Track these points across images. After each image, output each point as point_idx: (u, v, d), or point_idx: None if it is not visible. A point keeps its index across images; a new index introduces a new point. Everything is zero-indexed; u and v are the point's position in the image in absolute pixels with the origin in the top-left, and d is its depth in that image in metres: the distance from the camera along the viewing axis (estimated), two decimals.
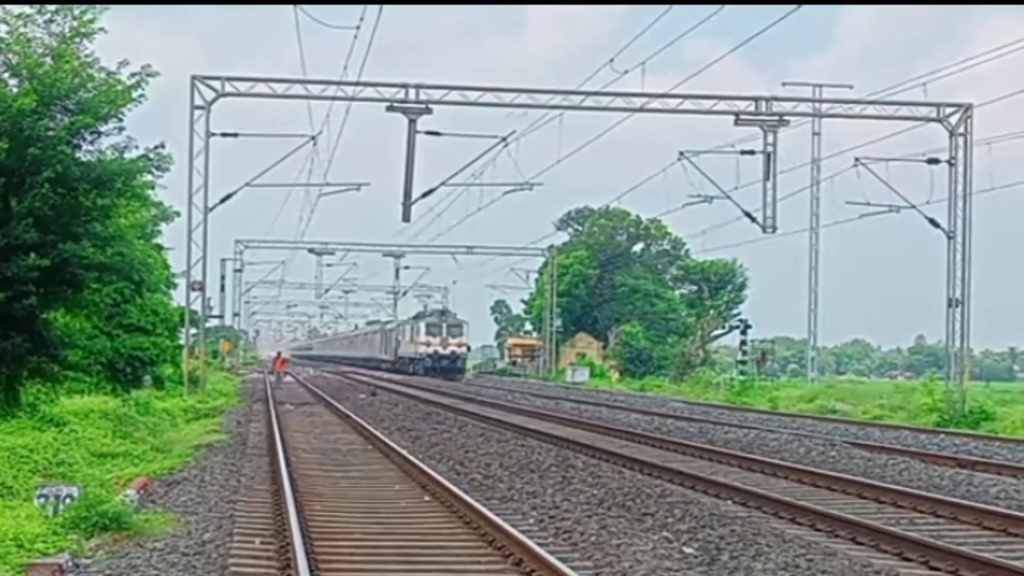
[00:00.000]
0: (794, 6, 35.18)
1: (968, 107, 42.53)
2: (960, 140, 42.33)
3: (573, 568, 11.31)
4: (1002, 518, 15.49)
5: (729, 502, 17.52)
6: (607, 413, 41.00)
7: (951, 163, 42.70)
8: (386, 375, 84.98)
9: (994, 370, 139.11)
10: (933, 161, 44.16)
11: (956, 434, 33.18)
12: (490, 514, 14.53)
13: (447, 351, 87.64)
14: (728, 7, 35.48)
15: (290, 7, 37.07)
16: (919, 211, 44.91)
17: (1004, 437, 32.38)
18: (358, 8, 34.67)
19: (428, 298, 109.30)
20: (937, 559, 12.63)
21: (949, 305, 42.71)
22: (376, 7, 34.26)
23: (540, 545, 12.51)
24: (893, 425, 37.51)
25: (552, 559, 11.58)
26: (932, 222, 43.81)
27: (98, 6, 25.64)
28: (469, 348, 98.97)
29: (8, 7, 25.00)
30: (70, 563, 11.51)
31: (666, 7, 36.22)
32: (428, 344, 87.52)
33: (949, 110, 42.67)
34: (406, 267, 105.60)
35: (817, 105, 48.48)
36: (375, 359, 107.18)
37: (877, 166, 46.01)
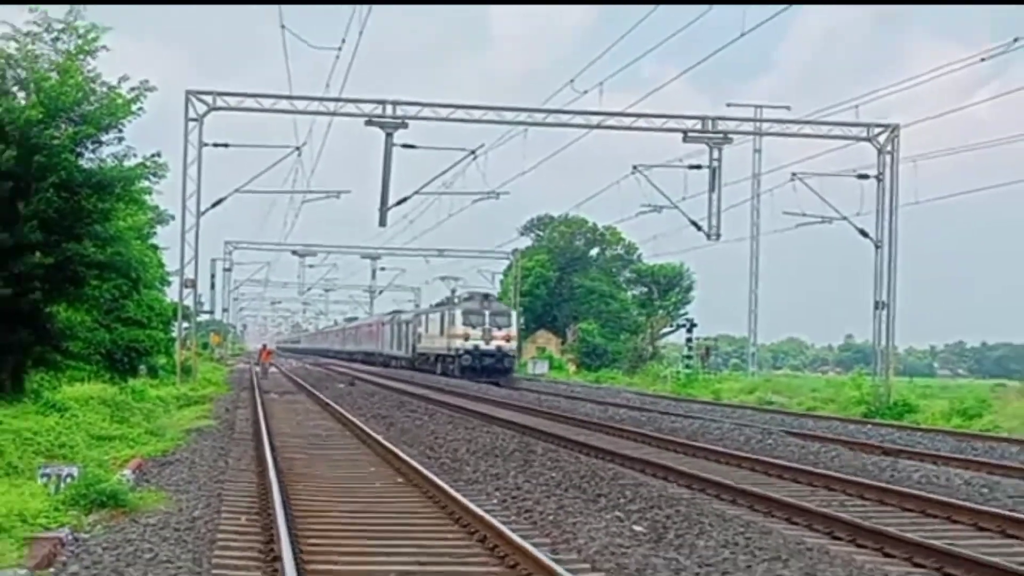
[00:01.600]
0: (738, 33, 35.36)
1: (895, 127, 42.89)
2: (887, 158, 42.66)
3: (533, 544, 11.31)
4: (923, 501, 15.61)
5: (675, 485, 17.58)
6: (565, 403, 40.94)
7: (879, 178, 42.97)
8: (362, 367, 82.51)
9: (916, 367, 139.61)
10: (863, 176, 44.36)
11: (882, 424, 33.41)
12: (457, 494, 14.50)
13: (491, 347, 64.24)
14: (681, 33, 35.72)
15: (278, 28, 37.14)
16: (850, 222, 45.11)
17: (925, 428, 32.61)
18: (340, 29, 34.68)
19: (456, 281, 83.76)
20: (864, 538, 12.72)
21: (876, 307, 43.09)
22: (356, 32, 34.28)
23: (503, 523, 12.50)
24: (825, 416, 37.69)
25: (514, 536, 11.57)
26: (862, 232, 44.09)
27: (100, 27, 25.58)
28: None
29: (17, 26, 24.93)
30: (70, 537, 11.43)
31: (622, 33, 36.29)
32: (467, 337, 64.21)
33: (877, 130, 43.02)
34: (382, 268, 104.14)
35: (758, 124, 48.58)
36: (382, 355, 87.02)
37: (812, 180, 46.31)
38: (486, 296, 68.51)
